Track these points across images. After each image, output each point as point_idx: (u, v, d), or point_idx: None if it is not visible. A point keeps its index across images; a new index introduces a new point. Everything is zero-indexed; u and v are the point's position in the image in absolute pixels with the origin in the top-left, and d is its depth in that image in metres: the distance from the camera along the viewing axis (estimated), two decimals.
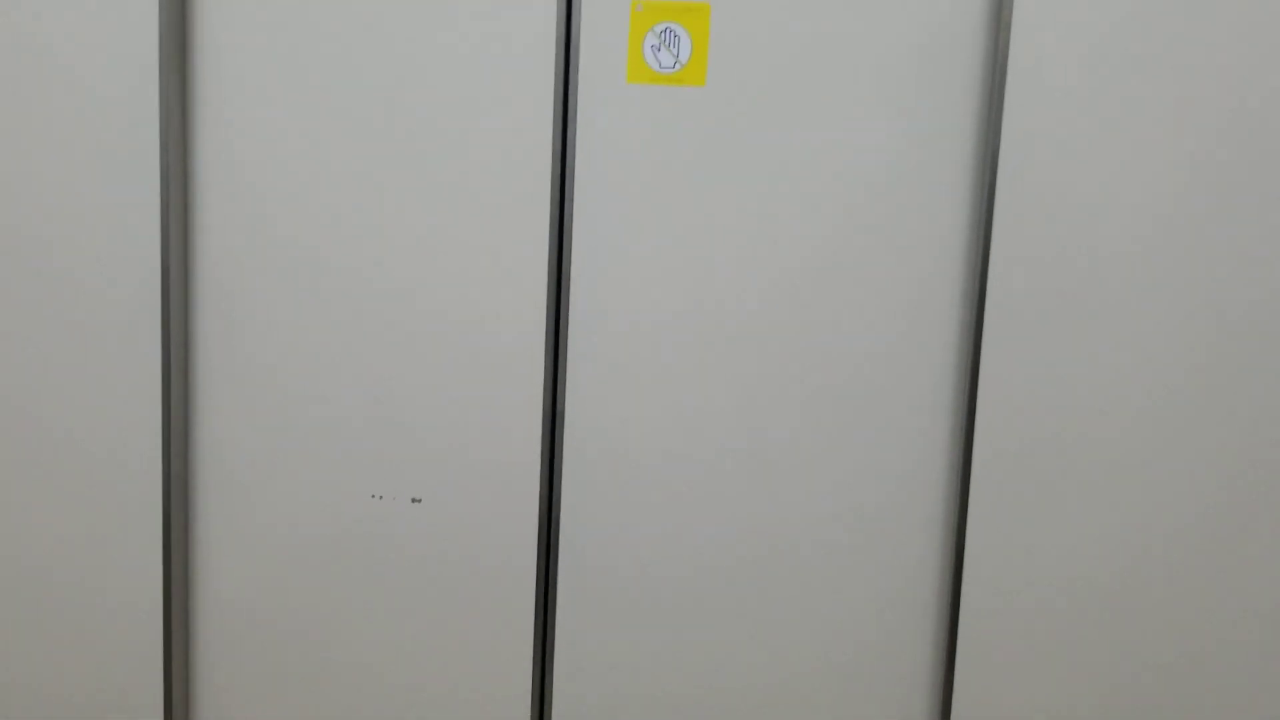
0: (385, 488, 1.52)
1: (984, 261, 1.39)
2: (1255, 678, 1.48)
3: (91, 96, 1.45)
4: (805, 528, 1.49)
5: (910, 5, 1.36)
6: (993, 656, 1.49)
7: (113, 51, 1.43)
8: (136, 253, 1.47)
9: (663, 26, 1.40)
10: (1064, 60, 1.35)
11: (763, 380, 1.46)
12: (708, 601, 1.52)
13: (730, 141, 1.41)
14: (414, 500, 1.52)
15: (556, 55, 1.40)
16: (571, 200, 1.44)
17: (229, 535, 1.56)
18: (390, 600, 1.55)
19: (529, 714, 1.56)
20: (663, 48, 1.40)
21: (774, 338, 1.45)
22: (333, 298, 1.48)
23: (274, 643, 1.58)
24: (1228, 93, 1.35)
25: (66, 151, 1.47)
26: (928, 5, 1.36)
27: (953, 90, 1.38)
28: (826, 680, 1.53)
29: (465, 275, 1.46)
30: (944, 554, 1.49)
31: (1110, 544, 1.46)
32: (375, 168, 1.45)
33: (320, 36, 1.43)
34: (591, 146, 1.43)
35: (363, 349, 1.49)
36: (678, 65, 1.40)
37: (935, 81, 1.38)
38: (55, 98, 1.45)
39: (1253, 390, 1.42)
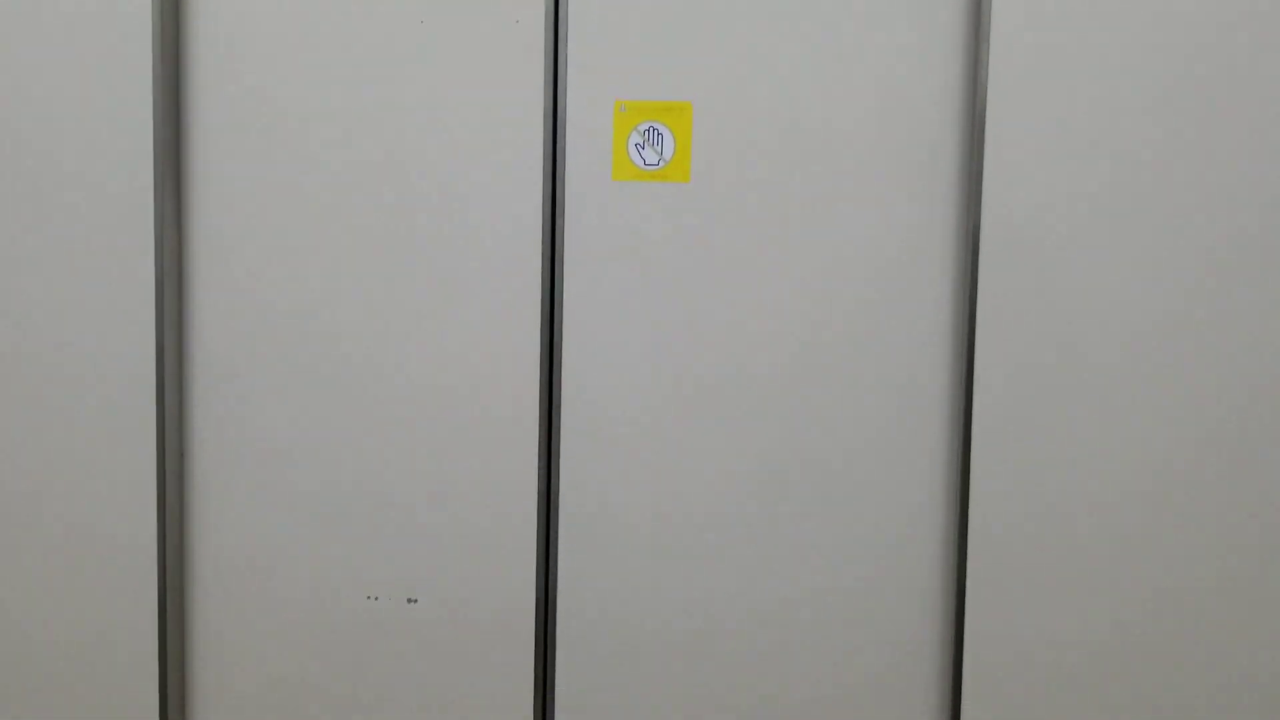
0: (381, 588, 1.51)
1: (970, 357, 1.40)
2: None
3: (88, 191, 1.47)
4: (798, 603, 1.48)
5: (889, 100, 1.40)
6: None
7: (109, 146, 1.46)
8: (130, 348, 1.49)
9: (646, 125, 1.43)
10: (1039, 153, 1.38)
11: (748, 461, 1.46)
12: (707, 668, 1.50)
13: (714, 235, 1.44)
14: (410, 600, 1.50)
15: (544, 154, 1.44)
16: (561, 293, 1.45)
17: (226, 636, 1.54)
18: (386, 703, 1.52)
19: None
20: (647, 146, 1.44)
21: (757, 424, 1.46)
22: (328, 391, 1.49)
23: None
24: (1209, 188, 1.38)
25: (62, 245, 1.49)
26: (906, 100, 1.40)
27: (932, 181, 1.41)
28: None
29: (459, 367, 1.47)
30: (942, 630, 1.47)
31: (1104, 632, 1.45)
32: (369, 261, 1.47)
33: (315, 134, 1.46)
34: (579, 241, 1.45)
35: (359, 440, 1.49)
36: (662, 162, 1.44)
37: (915, 173, 1.41)
38: (51, 191, 1.48)
39: (1248, 475, 1.42)
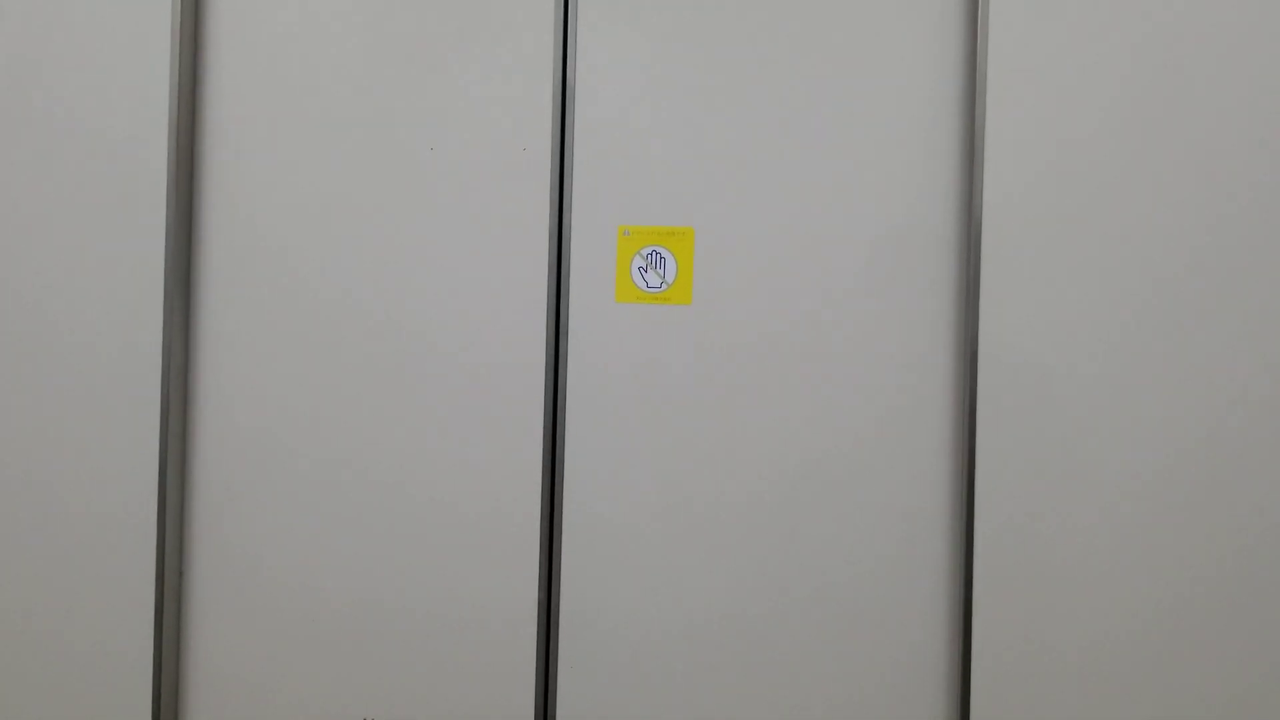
0: (378, 710, 1.49)
1: (970, 471, 1.40)
2: None
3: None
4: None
5: (888, 224, 1.43)
6: None
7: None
8: (133, 482, 1.50)
9: (649, 250, 1.47)
10: (1033, 246, 1.40)
11: (749, 575, 1.45)
12: None
13: (717, 356, 1.45)
14: None
15: (549, 275, 1.47)
16: (564, 412, 1.47)
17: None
18: None
19: None
20: (650, 269, 1.47)
21: (762, 538, 1.45)
22: (330, 513, 1.49)
23: None
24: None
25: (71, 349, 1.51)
26: (905, 226, 1.43)
27: (929, 286, 1.43)
28: None
29: (462, 487, 1.48)
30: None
31: None
32: (376, 384, 1.49)
33: (321, 262, 1.50)
34: (582, 360, 1.47)
35: (360, 556, 1.49)
36: (664, 285, 1.46)
37: (914, 295, 1.43)
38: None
39: (1254, 473, 1.40)
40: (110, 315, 1.51)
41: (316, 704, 1.50)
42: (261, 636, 1.51)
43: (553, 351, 1.47)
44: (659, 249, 1.46)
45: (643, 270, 1.47)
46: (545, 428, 1.47)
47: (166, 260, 1.48)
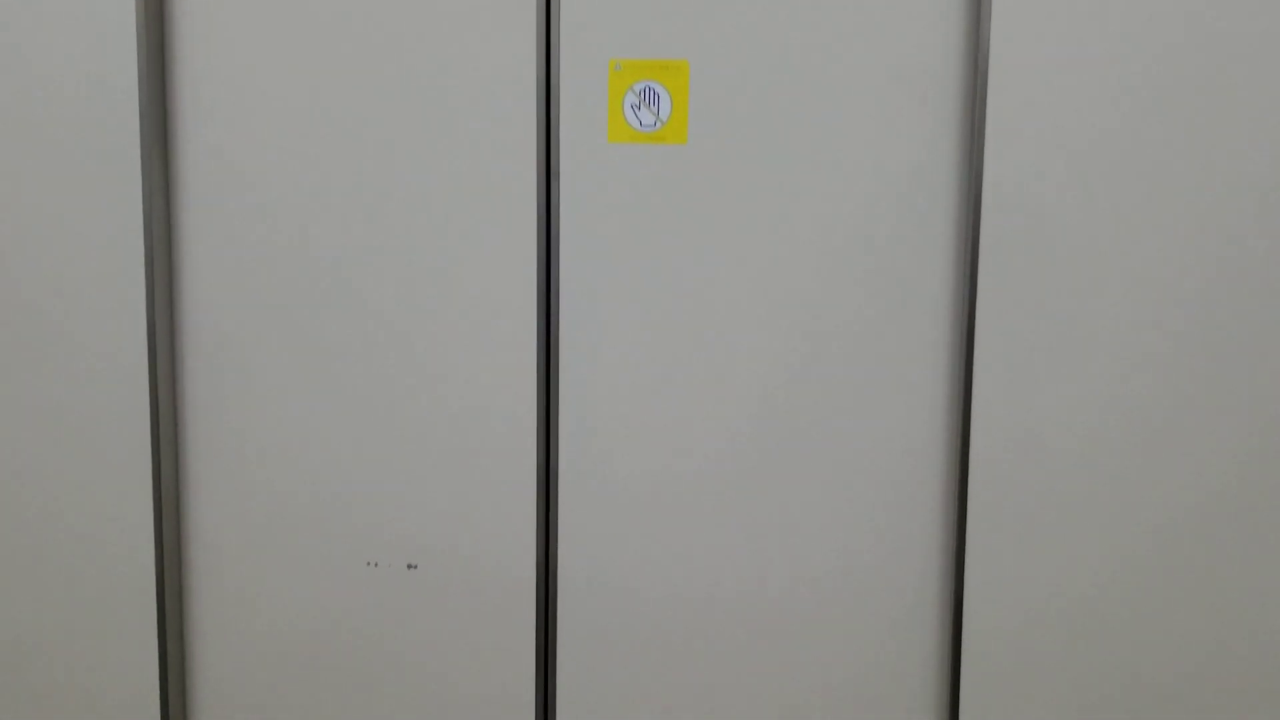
0: (380, 554, 1.52)
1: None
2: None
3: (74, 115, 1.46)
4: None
5: (891, 53, 1.35)
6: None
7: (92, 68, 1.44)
8: (124, 320, 1.48)
9: (642, 85, 1.39)
10: (1041, 83, 1.33)
11: (748, 420, 1.45)
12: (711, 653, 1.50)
13: (713, 198, 1.40)
14: (410, 566, 1.51)
15: (537, 116, 1.40)
16: (557, 256, 1.43)
17: (223, 607, 1.55)
18: (388, 666, 1.54)
19: None
20: (643, 106, 1.40)
21: (757, 389, 1.44)
22: (326, 358, 1.48)
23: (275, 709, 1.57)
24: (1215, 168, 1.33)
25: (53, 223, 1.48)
26: (910, 52, 1.35)
27: (935, 135, 1.37)
28: None
29: (453, 332, 1.46)
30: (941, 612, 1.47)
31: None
32: (362, 231, 1.45)
33: (303, 89, 1.43)
34: (574, 204, 1.42)
35: (358, 411, 1.49)
36: (658, 124, 1.40)
37: (918, 128, 1.37)
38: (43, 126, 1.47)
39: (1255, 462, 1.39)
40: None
41: (321, 547, 1.52)
42: (256, 490, 1.52)
43: (544, 194, 1.42)
44: (652, 84, 1.39)
45: (635, 108, 1.40)
46: (539, 271, 1.43)
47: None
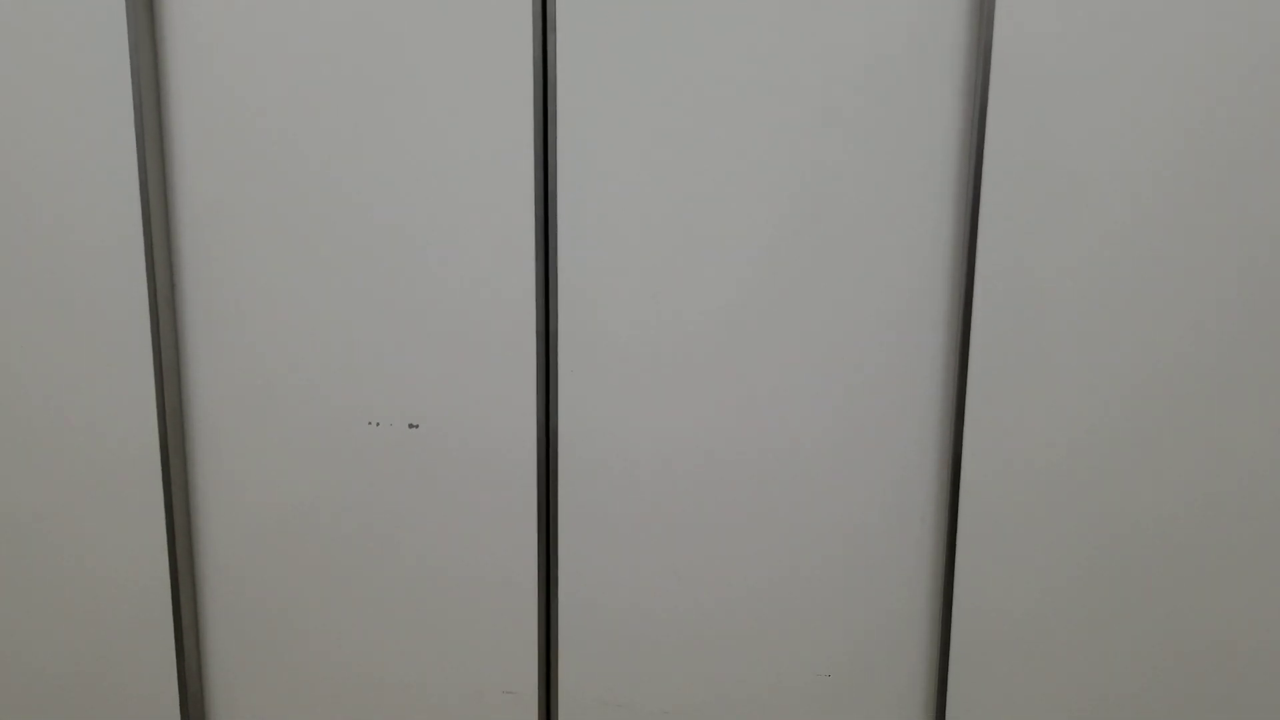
0: (381, 414, 1.46)
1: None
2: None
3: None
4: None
5: None
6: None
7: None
8: (118, 186, 1.44)
9: None
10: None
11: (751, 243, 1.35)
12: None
13: (713, 29, 1.29)
14: (411, 426, 1.45)
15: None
16: (555, 100, 1.34)
17: (225, 478, 1.52)
18: (391, 527, 1.49)
19: (534, 666, 1.48)
20: None
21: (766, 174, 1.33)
22: (321, 229, 1.42)
23: (278, 584, 1.53)
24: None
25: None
26: None
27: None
28: None
29: (448, 189, 1.38)
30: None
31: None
32: (360, 71, 1.38)
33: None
34: (571, 37, 1.32)
35: (352, 266, 1.43)
36: None
37: None
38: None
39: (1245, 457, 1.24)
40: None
41: (322, 407, 1.47)
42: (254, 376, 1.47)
43: (540, 54, 1.32)
44: None
45: None
46: (535, 137, 1.34)
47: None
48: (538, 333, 1.39)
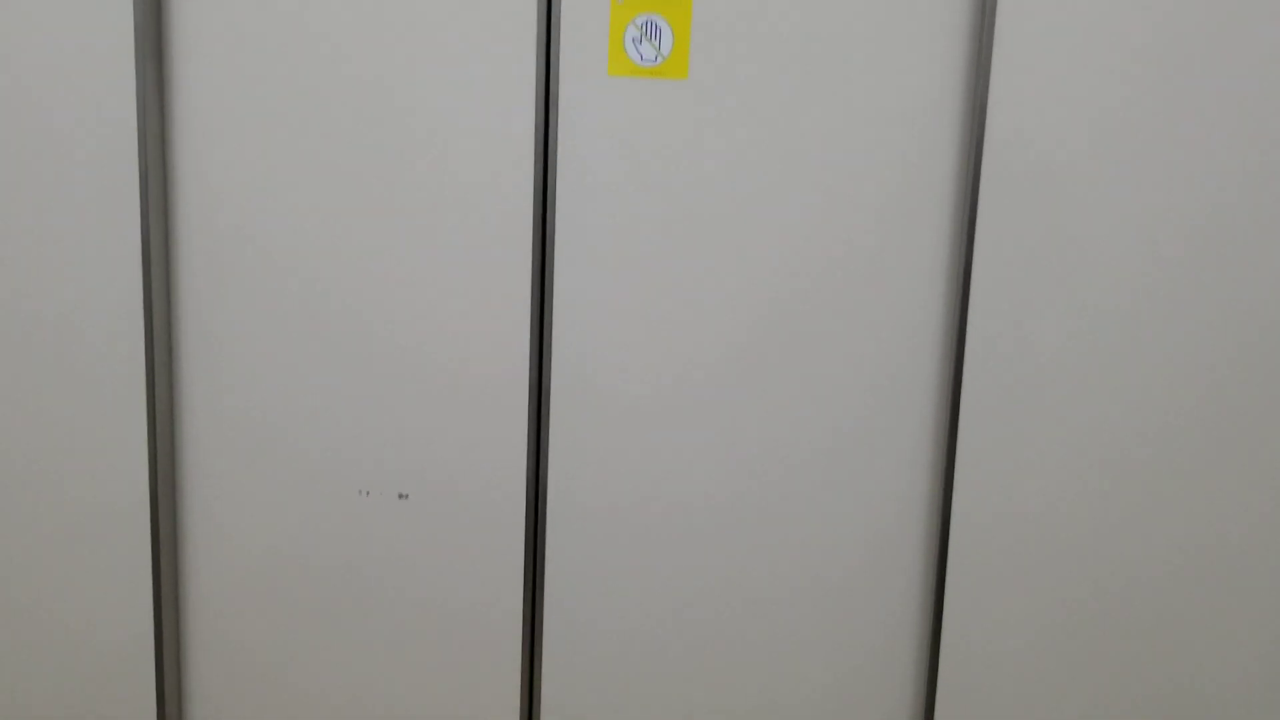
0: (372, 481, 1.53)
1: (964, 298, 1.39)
2: None
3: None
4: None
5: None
6: None
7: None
8: (118, 272, 1.47)
9: (644, 18, 1.38)
10: (1046, 58, 1.34)
11: (740, 351, 1.47)
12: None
13: (713, 136, 1.40)
14: (401, 496, 1.53)
15: (538, 48, 1.39)
16: (555, 194, 1.43)
17: (216, 534, 1.56)
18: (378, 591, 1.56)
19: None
20: (644, 40, 1.39)
21: (755, 331, 1.45)
22: (315, 296, 1.48)
23: (264, 639, 1.59)
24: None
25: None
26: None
27: (942, 78, 1.37)
28: None
29: (449, 279, 1.46)
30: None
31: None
32: (358, 178, 1.44)
33: (305, 35, 1.41)
34: (574, 139, 1.41)
35: (346, 355, 1.49)
36: (660, 58, 1.39)
37: (926, 70, 1.37)
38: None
39: (1234, 468, 1.42)
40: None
41: (314, 476, 1.53)
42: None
43: (543, 126, 1.41)
44: (654, 17, 1.38)
45: (636, 41, 1.39)
46: (535, 207, 1.43)
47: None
48: (529, 398, 1.48)
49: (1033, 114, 1.35)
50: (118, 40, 1.41)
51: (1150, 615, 1.49)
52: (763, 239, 1.43)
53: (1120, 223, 1.38)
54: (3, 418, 1.54)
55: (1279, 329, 1.40)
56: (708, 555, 1.52)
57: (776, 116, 1.39)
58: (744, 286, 1.44)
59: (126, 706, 1.62)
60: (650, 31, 1.38)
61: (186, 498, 1.56)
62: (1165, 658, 1.50)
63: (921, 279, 1.43)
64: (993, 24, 1.32)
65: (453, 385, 1.49)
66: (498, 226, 1.44)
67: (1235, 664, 1.49)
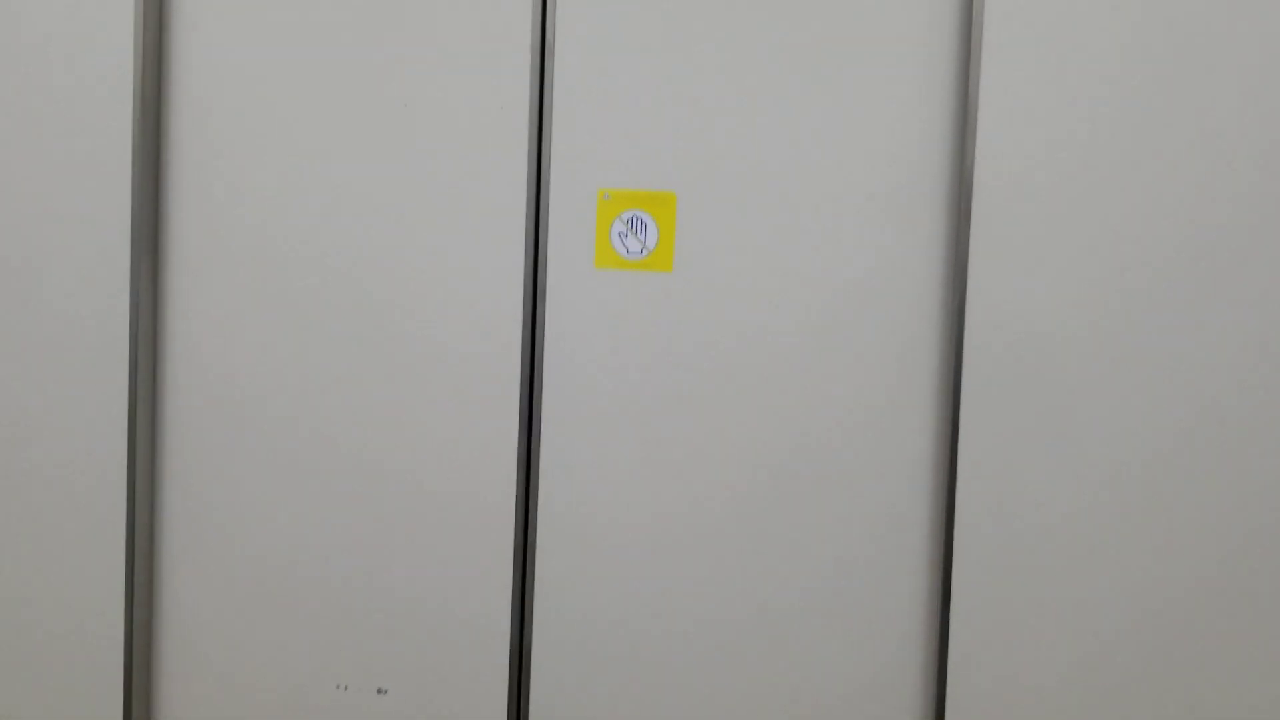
0: (351, 677, 1.48)
1: (953, 454, 1.37)
2: None
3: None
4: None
5: (875, 173, 1.38)
6: None
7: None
8: (104, 448, 1.47)
9: (630, 214, 1.42)
10: (1026, 214, 1.36)
11: (737, 530, 1.43)
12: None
13: (697, 325, 1.41)
14: (379, 691, 1.48)
15: (526, 240, 1.42)
16: (541, 379, 1.43)
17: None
18: None
19: None
20: (630, 235, 1.42)
21: (754, 522, 1.43)
22: (304, 485, 1.47)
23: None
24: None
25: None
26: (892, 186, 1.38)
27: (921, 272, 1.39)
28: None
29: (437, 456, 1.45)
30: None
31: None
32: (355, 351, 1.45)
33: (294, 220, 1.45)
34: (560, 327, 1.43)
35: (334, 528, 1.47)
36: (645, 252, 1.42)
37: (905, 263, 1.39)
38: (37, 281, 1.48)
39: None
40: (77, 286, 1.47)
41: (287, 674, 1.49)
42: (234, 610, 1.49)
43: (529, 317, 1.43)
44: (640, 214, 1.42)
45: (623, 236, 1.42)
46: (523, 391, 1.43)
47: (133, 228, 1.44)
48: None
49: (1009, 282, 1.36)
50: (117, 237, 1.45)
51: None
52: (740, 418, 1.42)
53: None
54: None
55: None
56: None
57: (761, 307, 1.41)
58: (726, 461, 1.43)
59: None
60: (636, 227, 1.42)
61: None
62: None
63: (908, 490, 1.41)
64: (969, 232, 1.35)
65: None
66: (488, 415, 1.44)
67: (1251, 668, 1.38)
